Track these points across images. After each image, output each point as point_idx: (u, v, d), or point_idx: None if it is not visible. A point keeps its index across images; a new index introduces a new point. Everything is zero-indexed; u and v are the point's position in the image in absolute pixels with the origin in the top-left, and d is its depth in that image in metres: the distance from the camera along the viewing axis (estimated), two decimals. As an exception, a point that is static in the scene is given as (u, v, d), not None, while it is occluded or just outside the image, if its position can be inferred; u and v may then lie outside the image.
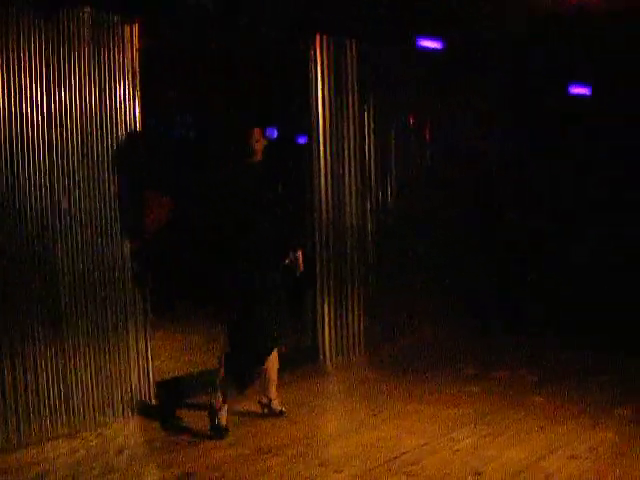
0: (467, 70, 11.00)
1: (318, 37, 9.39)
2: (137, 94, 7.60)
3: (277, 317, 7.26)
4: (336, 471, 6.23)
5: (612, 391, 8.28)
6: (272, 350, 7.39)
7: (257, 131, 7.27)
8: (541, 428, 7.15)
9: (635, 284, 11.48)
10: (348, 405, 7.95)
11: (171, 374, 8.46)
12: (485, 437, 6.92)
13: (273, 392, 7.73)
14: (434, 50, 10.28)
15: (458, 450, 6.62)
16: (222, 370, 7.22)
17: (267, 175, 7.37)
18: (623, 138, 12.25)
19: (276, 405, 7.74)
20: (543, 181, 12.62)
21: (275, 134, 14.77)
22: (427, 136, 10.84)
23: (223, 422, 7.15)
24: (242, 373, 7.28)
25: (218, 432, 7.10)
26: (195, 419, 7.46)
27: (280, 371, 7.77)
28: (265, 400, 7.73)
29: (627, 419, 7.40)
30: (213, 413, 7.15)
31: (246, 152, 7.27)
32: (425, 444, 6.74)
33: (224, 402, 7.18)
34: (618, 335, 10.47)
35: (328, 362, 9.43)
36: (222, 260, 7.23)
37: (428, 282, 10.86)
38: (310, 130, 9.38)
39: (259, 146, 7.28)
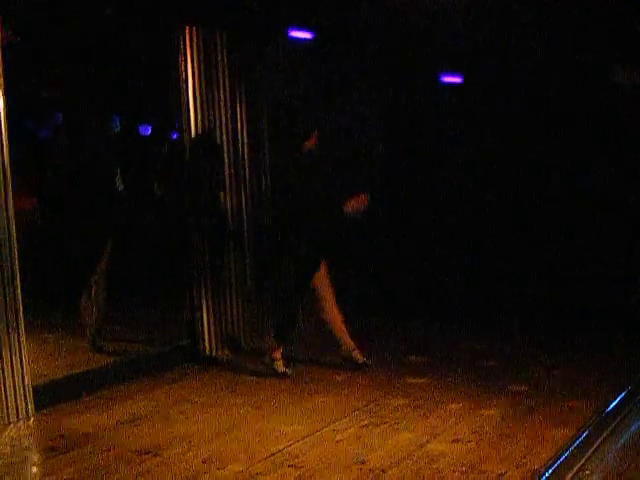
0: (340, 59, 11.02)
1: (187, 30, 9.23)
2: (0, 90, 7.34)
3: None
4: (219, 468, 6.12)
5: (495, 375, 8.37)
6: None
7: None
8: (424, 414, 7.18)
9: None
10: (230, 400, 7.83)
11: (49, 377, 8.25)
12: (367, 426, 6.90)
13: (350, 342, 8.53)
14: (305, 40, 10.24)
15: (341, 440, 6.59)
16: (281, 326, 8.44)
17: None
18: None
19: (357, 355, 8.53)
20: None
21: (149, 131, 14.59)
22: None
23: (282, 368, 8.38)
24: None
25: (284, 375, 8.35)
26: (74, 423, 7.28)
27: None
28: (344, 352, 8.57)
29: (510, 401, 7.49)
30: (271, 362, 8.38)
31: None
32: (307, 436, 6.69)
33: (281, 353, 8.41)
34: (507, 321, 10.65)
35: (209, 358, 9.27)
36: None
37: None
38: (181, 125, 9.22)
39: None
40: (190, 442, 6.72)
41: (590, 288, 10.74)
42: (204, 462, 6.26)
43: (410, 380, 8.24)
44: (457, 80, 12.83)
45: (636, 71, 11.93)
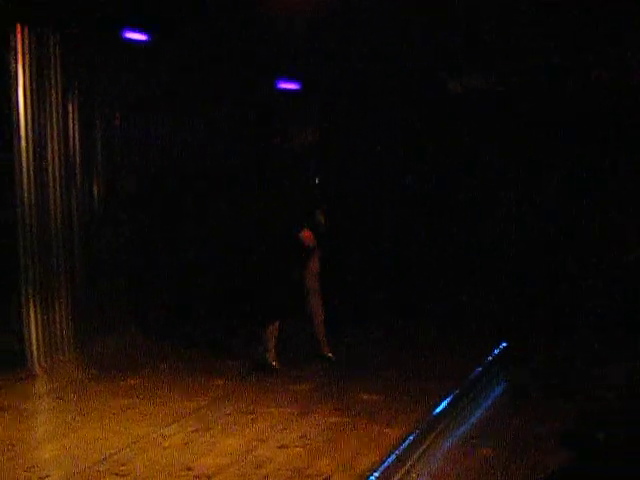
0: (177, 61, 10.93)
1: (19, 27, 8.99)
2: None
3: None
4: (42, 477, 5.96)
5: (327, 379, 8.52)
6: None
7: None
8: (253, 419, 7.19)
9: None
10: (56, 407, 7.70)
11: None
12: (196, 431, 6.87)
13: (323, 340, 9.13)
14: (140, 42, 10.09)
15: (168, 447, 6.53)
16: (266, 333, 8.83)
17: None
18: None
19: (325, 351, 9.13)
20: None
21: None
22: (136, 128, 10.62)
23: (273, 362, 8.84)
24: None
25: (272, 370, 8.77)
26: None
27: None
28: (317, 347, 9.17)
29: (337, 405, 7.58)
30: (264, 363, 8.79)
31: None
32: (134, 442, 6.60)
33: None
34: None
35: (36, 364, 8.86)
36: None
37: (144, 278, 10.70)
38: (11, 124, 8.96)
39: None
40: (14, 449, 6.54)
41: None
42: (26, 470, 6.09)
43: (243, 386, 8.28)
44: (294, 87, 12.83)
45: (466, 78, 12.27)
